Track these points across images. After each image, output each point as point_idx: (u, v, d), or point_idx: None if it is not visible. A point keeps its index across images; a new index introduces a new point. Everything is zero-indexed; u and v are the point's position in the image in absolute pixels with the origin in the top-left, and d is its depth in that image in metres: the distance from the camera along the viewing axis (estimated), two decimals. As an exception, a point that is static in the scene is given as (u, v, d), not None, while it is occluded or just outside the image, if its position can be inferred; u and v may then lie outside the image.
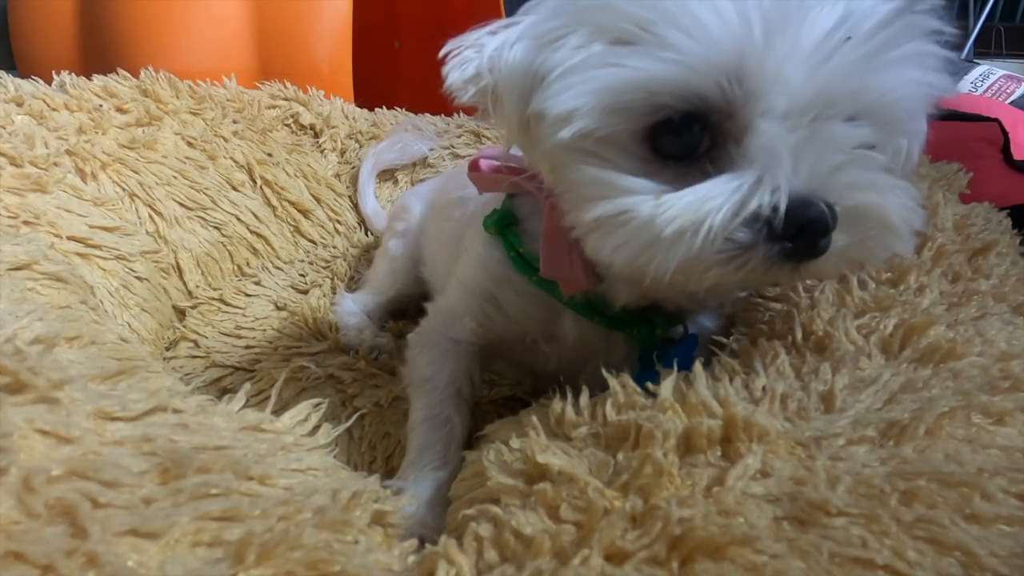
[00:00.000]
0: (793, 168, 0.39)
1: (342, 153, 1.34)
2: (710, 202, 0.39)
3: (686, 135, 0.42)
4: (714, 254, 0.40)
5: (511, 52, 0.46)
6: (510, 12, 1.80)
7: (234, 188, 1.13)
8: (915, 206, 0.43)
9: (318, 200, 1.25)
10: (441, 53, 0.48)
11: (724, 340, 0.54)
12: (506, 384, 0.77)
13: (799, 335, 0.52)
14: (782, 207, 0.38)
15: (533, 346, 0.62)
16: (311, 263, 1.14)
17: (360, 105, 1.43)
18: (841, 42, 0.40)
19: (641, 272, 0.42)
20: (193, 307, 0.97)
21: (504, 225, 0.59)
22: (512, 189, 0.59)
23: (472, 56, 0.47)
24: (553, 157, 0.45)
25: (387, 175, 1.36)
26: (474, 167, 0.61)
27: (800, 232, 0.39)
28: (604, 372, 0.46)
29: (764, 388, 0.44)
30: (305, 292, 1.03)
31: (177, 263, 0.99)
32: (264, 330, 0.92)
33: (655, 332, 0.55)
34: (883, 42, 0.40)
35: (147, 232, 0.97)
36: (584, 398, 0.46)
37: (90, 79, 1.09)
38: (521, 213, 0.59)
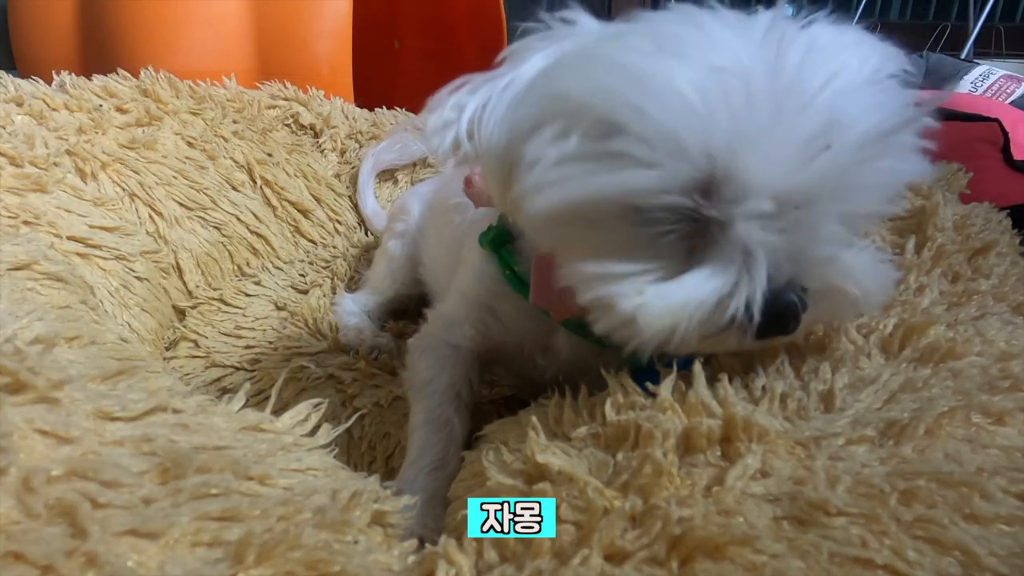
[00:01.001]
0: (771, 263, 0.40)
1: (342, 153, 1.34)
2: (688, 307, 0.40)
3: (667, 222, 0.42)
4: (693, 336, 0.41)
5: (488, 130, 0.46)
6: (510, 12, 1.78)
7: (234, 188, 1.13)
8: (881, 276, 0.45)
9: (318, 200, 1.25)
10: (423, 112, 0.49)
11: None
12: (506, 384, 0.77)
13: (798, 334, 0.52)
14: (756, 317, 0.40)
15: (530, 357, 0.63)
16: (311, 263, 1.14)
17: (360, 105, 1.43)
18: (820, 150, 0.39)
19: (623, 339, 0.43)
20: (193, 307, 0.97)
21: (500, 243, 0.59)
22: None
23: (451, 119, 0.47)
24: (533, 226, 0.46)
25: (387, 175, 1.36)
26: (469, 183, 0.61)
27: (772, 319, 0.41)
28: (603, 372, 0.46)
29: (764, 388, 0.44)
30: (305, 292, 1.03)
31: (177, 263, 0.99)
32: (264, 330, 0.92)
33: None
34: (868, 155, 0.41)
35: (147, 232, 0.97)
36: (583, 398, 0.46)
37: (90, 79, 1.09)
38: (516, 232, 0.59)
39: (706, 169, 0.39)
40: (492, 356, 0.66)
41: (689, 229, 0.42)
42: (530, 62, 0.46)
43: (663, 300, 0.41)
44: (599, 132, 0.41)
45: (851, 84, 0.41)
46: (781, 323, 0.42)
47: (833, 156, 0.39)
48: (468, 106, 0.47)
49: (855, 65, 0.42)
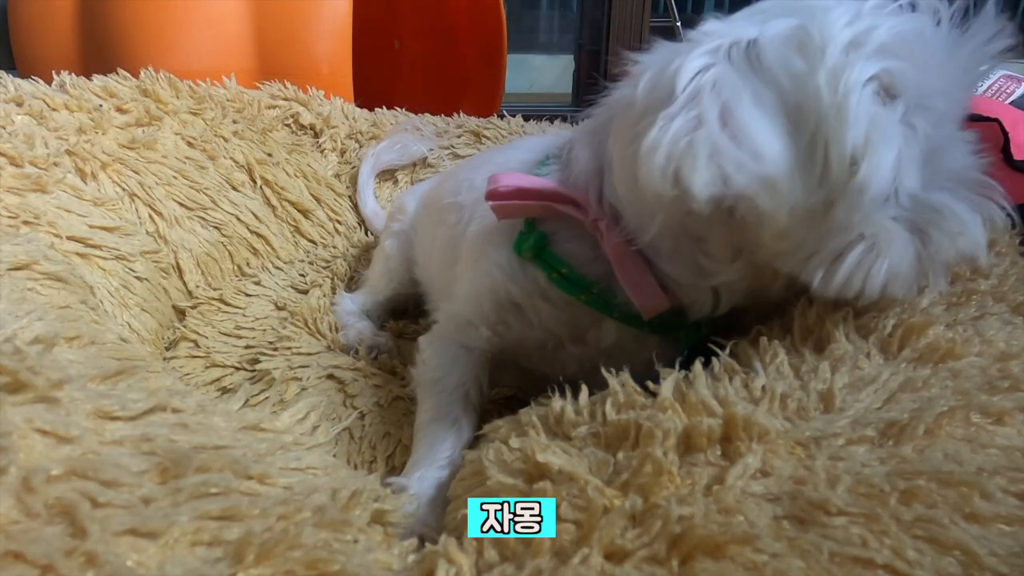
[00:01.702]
0: None
1: (342, 153, 1.34)
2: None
3: None
4: None
5: (773, 157, 0.43)
6: (510, 13, 1.79)
7: (234, 188, 1.13)
8: None
9: (318, 200, 1.25)
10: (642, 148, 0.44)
11: (723, 340, 0.54)
12: (505, 384, 0.77)
13: (798, 335, 0.52)
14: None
15: (556, 351, 0.63)
16: (311, 263, 1.14)
17: (360, 105, 1.43)
18: None
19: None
20: (193, 307, 0.97)
21: (541, 248, 0.59)
22: (542, 213, 0.59)
23: (704, 67, 0.45)
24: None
25: (387, 175, 1.36)
26: (493, 196, 0.59)
27: None
28: (604, 372, 0.46)
29: (764, 388, 0.44)
30: (305, 292, 1.03)
31: (177, 263, 0.99)
32: (264, 330, 0.92)
33: (700, 331, 0.58)
34: None
35: (147, 232, 0.97)
36: (583, 397, 0.46)
37: (90, 79, 1.09)
38: (556, 236, 0.59)
39: None
40: (505, 356, 0.66)
41: None
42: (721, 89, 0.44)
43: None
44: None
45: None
46: None
47: None
48: (701, 148, 0.42)
49: None
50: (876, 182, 0.42)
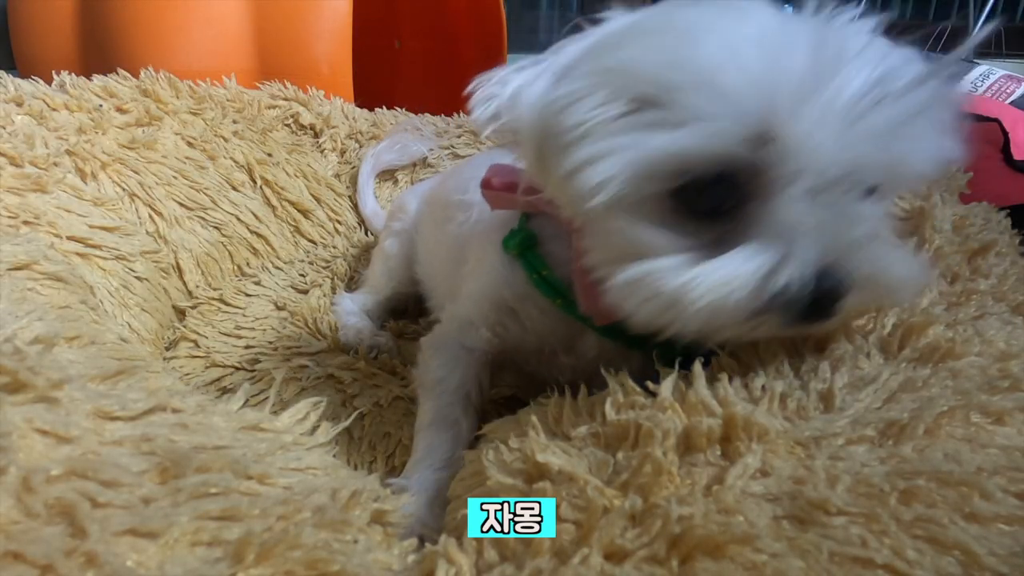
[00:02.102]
0: (816, 240, 0.40)
1: (342, 153, 1.34)
2: (736, 281, 0.40)
3: (713, 194, 0.42)
4: (734, 317, 0.41)
5: (531, 98, 0.46)
6: (510, 13, 1.79)
7: (234, 188, 1.13)
8: (919, 268, 0.46)
9: (318, 200, 1.25)
10: (468, 88, 0.49)
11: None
12: (506, 384, 0.77)
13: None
14: (802, 290, 0.40)
15: (551, 358, 0.63)
16: (311, 263, 1.14)
17: (360, 105, 1.43)
18: (875, 102, 0.40)
19: (661, 327, 0.43)
20: (193, 307, 0.97)
21: (527, 247, 0.59)
22: (528, 209, 0.59)
23: (495, 93, 0.48)
24: (592, 221, 0.47)
25: (387, 175, 1.36)
26: (487, 185, 0.61)
27: (818, 300, 0.40)
28: (604, 371, 0.46)
29: (763, 387, 0.44)
30: (305, 292, 1.03)
31: (177, 263, 0.99)
32: (264, 330, 0.92)
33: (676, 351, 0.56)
34: (912, 106, 0.41)
35: (147, 232, 0.97)
36: (583, 397, 0.46)
37: (90, 79, 1.09)
38: (542, 235, 0.59)
39: (761, 124, 0.39)
40: (505, 358, 0.66)
41: (734, 204, 0.42)
42: (571, 47, 0.46)
43: (710, 275, 0.40)
44: (648, 100, 0.41)
45: (887, 47, 0.43)
46: (826, 305, 0.41)
47: (886, 108, 0.40)
48: (512, 82, 0.47)
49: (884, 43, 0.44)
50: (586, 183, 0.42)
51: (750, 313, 0.41)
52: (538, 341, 0.62)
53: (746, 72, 0.39)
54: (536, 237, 0.59)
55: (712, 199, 0.42)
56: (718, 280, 0.40)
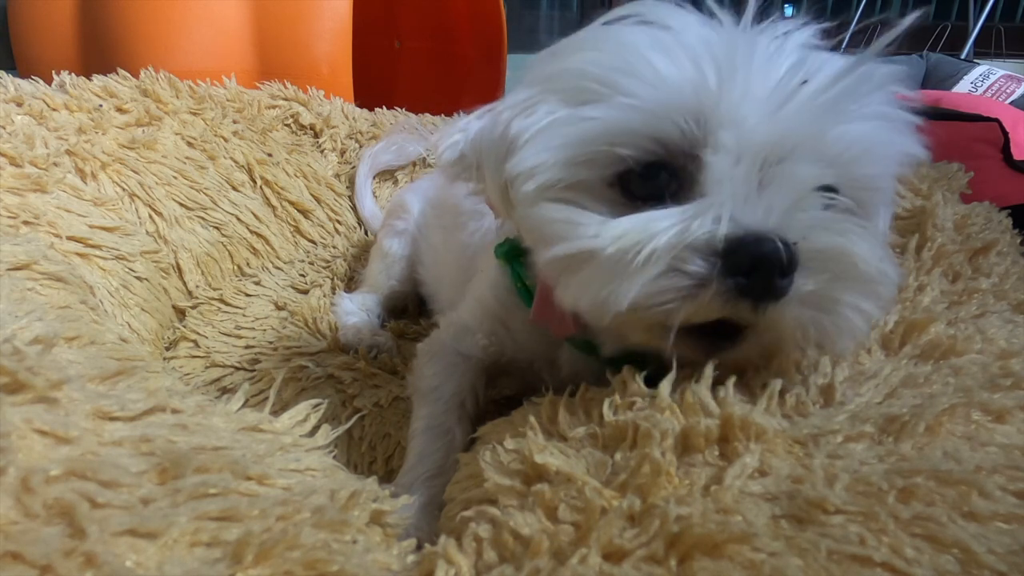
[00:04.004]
0: (747, 203, 0.39)
1: (342, 153, 1.34)
2: (653, 224, 0.39)
3: (654, 178, 0.43)
4: (669, 289, 0.39)
5: (490, 128, 0.49)
6: (510, 13, 1.78)
7: (234, 188, 1.13)
8: (887, 256, 0.42)
9: (318, 200, 1.25)
10: (433, 138, 0.55)
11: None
12: (506, 385, 0.77)
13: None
14: (721, 230, 0.38)
15: (538, 372, 0.63)
16: (311, 263, 1.14)
17: (360, 105, 1.43)
18: (797, 86, 0.41)
19: (602, 312, 0.41)
20: (193, 307, 0.97)
21: (513, 255, 0.59)
22: None
23: (459, 139, 0.51)
24: (525, 211, 0.46)
25: (387, 175, 1.36)
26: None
27: (754, 268, 0.38)
28: (608, 374, 0.46)
29: (763, 385, 0.44)
30: (305, 292, 1.03)
31: (177, 263, 0.99)
32: (264, 330, 0.92)
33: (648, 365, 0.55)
34: (842, 92, 0.41)
35: (147, 232, 0.97)
36: (579, 396, 0.46)
37: (90, 79, 1.09)
38: (526, 246, 0.58)
39: (689, 101, 0.41)
40: (500, 368, 0.66)
41: (674, 191, 0.42)
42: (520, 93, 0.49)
43: (627, 221, 0.40)
44: (588, 96, 0.43)
45: (819, 49, 0.44)
46: (765, 273, 0.38)
47: (811, 92, 0.41)
48: (473, 127, 0.51)
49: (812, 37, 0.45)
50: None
51: (685, 281, 0.39)
52: (527, 355, 0.62)
53: (677, 62, 0.41)
54: (521, 247, 0.59)
55: (653, 184, 0.43)
56: (631, 224, 0.40)
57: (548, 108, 0.44)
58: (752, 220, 0.39)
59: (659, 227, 0.39)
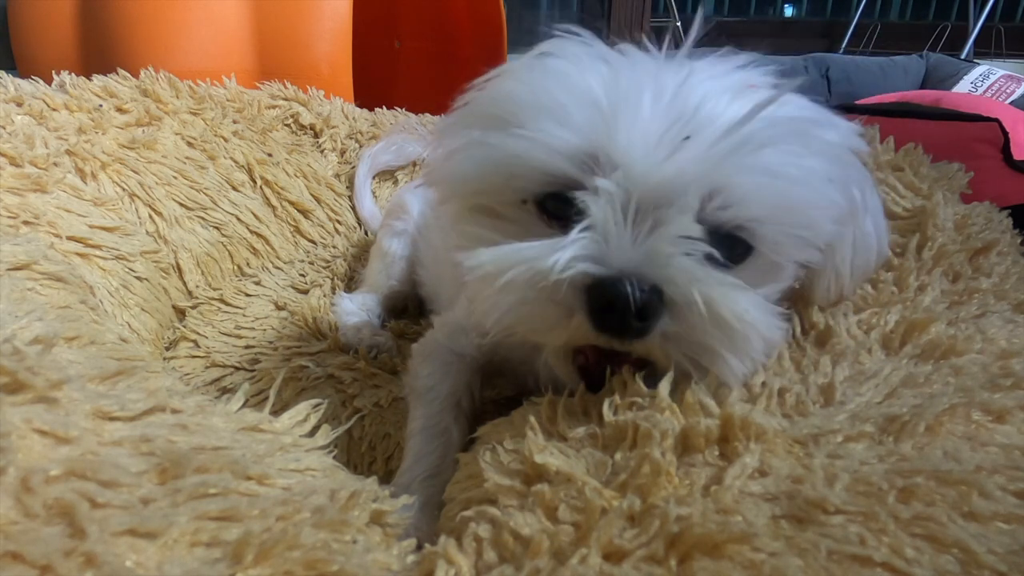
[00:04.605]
0: (615, 246, 0.41)
1: (342, 153, 1.34)
2: (516, 257, 0.43)
3: (557, 207, 0.46)
4: (541, 315, 0.43)
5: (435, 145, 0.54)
6: (510, 13, 1.79)
7: (234, 188, 1.13)
8: (765, 316, 0.43)
9: (318, 200, 1.25)
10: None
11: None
12: (504, 386, 0.77)
13: (799, 329, 0.52)
14: (571, 270, 0.41)
15: (534, 371, 0.62)
16: (311, 263, 1.14)
17: (360, 105, 1.43)
18: (679, 140, 0.42)
19: (486, 326, 0.45)
20: (193, 307, 0.97)
21: None
22: None
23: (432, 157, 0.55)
24: (453, 219, 0.51)
25: (387, 175, 1.36)
26: None
27: (610, 307, 0.41)
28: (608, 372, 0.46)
29: (763, 384, 0.44)
30: (305, 292, 1.03)
31: (177, 263, 0.99)
32: (264, 330, 0.92)
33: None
34: (735, 145, 0.42)
35: (147, 232, 0.97)
36: (578, 396, 0.46)
37: (90, 79, 1.09)
38: None
39: (585, 141, 0.43)
40: (495, 367, 0.66)
41: (574, 217, 0.44)
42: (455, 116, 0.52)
43: (497, 252, 0.43)
44: (508, 119, 0.46)
45: (721, 89, 0.44)
46: (618, 315, 0.41)
47: (694, 146, 0.42)
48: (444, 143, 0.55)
49: (732, 82, 0.46)
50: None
51: (556, 311, 0.42)
52: (518, 352, 0.62)
53: (582, 101, 0.44)
54: None
55: (560, 208, 0.45)
56: (500, 255, 0.43)
57: (465, 130, 0.49)
58: (615, 261, 0.41)
59: (518, 258, 0.43)
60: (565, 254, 0.41)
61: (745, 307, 0.42)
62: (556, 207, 0.46)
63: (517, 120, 0.45)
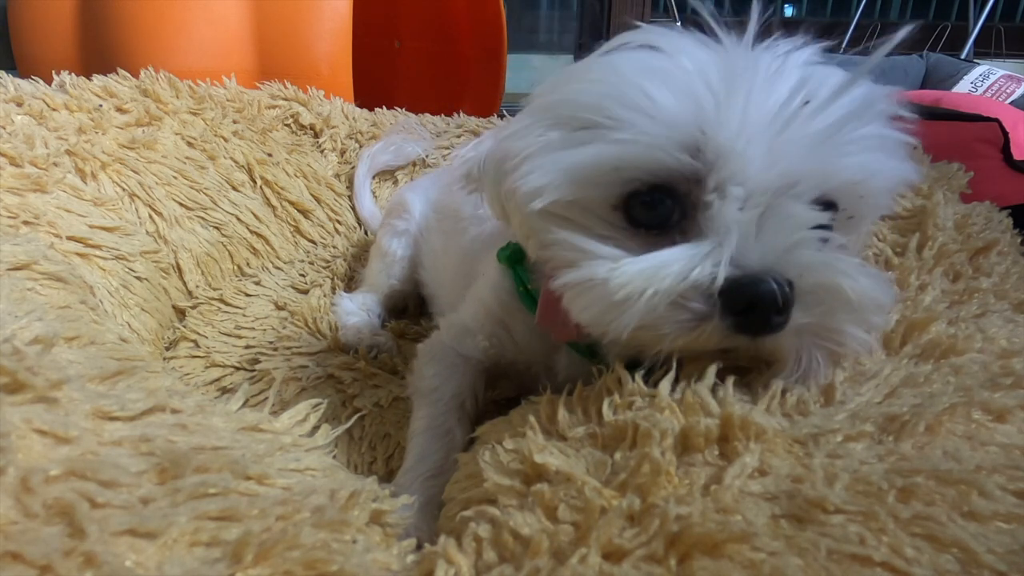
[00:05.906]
0: (746, 245, 0.41)
1: (342, 153, 1.34)
2: (661, 271, 0.41)
3: (658, 206, 0.44)
4: (671, 320, 0.41)
5: (492, 149, 0.52)
6: (510, 13, 1.79)
7: (234, 188, 1.13)
8: (878, 284, 0.43)
9: (318, 200, 1.25)
10: (455, 162, 0.60)
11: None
12: (506, 387, 0.77)
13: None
14: (719, 278, 0.40)
15: (536, 376, 0.63)
16: (311, 263, 1.14)
17: (360, 105, 1.43)
18: (799, 108, 0.41)
19: (604, 331, 0.43)
20: (193, 307, 0.97)
21: (516, 260, 0.59)
22: None
23: (472, 156, 0.55)
24: (529, 225, 0.48)
25: (387, 175, 1.36)
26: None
27: (751, 307, 0.40)
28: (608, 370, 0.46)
29: (764, 384, 0.44)
30: (305, 292, 1.03)
31: (177, 263, 0.99)
32: (264, 330, 0.92)
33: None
34: (840, 121, 0.42)
35: (147, 232, 0.97)
36: (577, 395, 0.46)
37: (90, 79, 1.09)
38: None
39: (689, 134, 0.41)
40: (500, 370, 0.66)
41: (679, 219, 0.44)
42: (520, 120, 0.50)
43: (636, 266, 0.42)
44: (585, 124, 0.44)
45: (817, 71, 0.44)
46: (761, 312, 0.40)
47: (811, 115, 0.41)
48: (483, 146, 0.54)
49: (817, 64, 0.45)
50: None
51: (687, 315, 0.41)
52: (526, 359, 0.62)
53: (675, 91, 0.42)
54: (523, 251, 0.59)
55: (657, 212, 0.44)
56: (639, 269, 0.41)
57: (542, 131, 0.46)
58: (751, 261, 0.41)
59: (664, 273, 0.41)
60: (708, 261, 0.40)
61: (864, 282, 0.42)
62: (645, 214, 0.44)
63: (608, 120, 0.43)
